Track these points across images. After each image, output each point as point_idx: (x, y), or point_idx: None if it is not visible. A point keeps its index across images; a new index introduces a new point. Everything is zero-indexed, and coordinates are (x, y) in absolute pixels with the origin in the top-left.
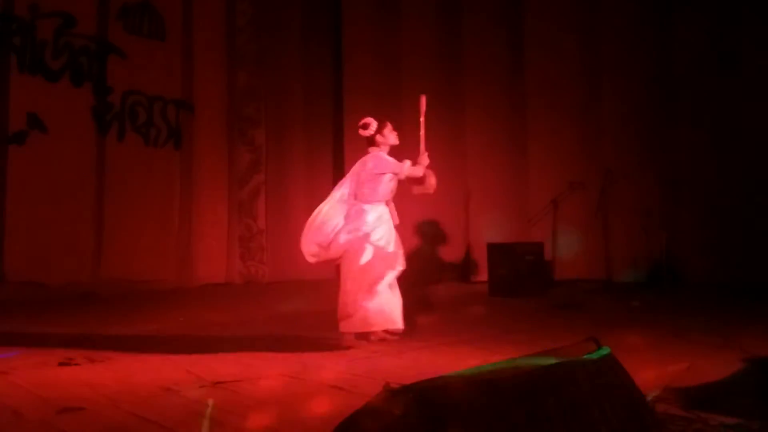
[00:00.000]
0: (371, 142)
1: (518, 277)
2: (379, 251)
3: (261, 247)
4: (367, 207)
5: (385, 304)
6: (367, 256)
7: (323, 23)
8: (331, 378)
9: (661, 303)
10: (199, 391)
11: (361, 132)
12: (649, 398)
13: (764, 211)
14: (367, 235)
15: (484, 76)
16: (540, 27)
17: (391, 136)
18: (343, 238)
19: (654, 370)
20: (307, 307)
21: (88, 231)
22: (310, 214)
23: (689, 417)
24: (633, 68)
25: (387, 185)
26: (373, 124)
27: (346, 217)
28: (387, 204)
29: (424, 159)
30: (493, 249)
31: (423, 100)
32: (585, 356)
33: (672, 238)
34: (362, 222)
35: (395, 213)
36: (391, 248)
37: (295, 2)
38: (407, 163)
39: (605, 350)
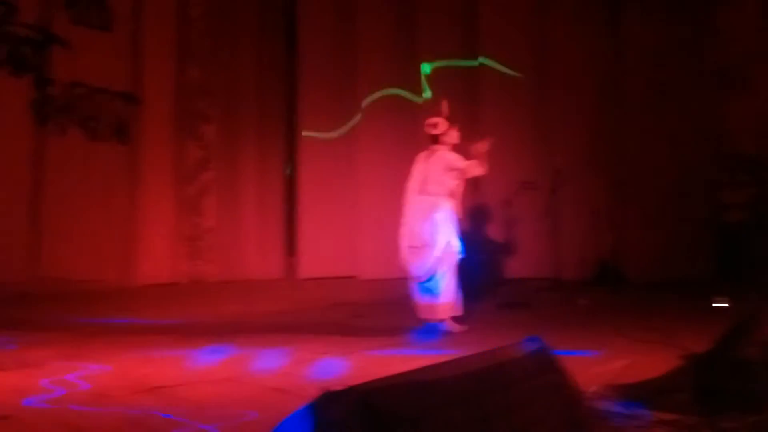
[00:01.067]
0: (436, 140)
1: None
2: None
3: (209, 246)
4: (440, 202)
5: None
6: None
7: (279, 19)
8: (275, 381)
9: (607, 301)
10: (133, 397)
11: (430, 132)
12: (590, 395)
13: (705, 212)
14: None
15: (439, 76)
16: (493, 28)
17: (455, 135)
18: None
19: (596, 367)
20: (254, 307)
21: (25, 228)
22: (259, 212)
23: (629, 413)
24: (582, 69)
25: (453, 181)
26: (441, 124)
27: (420, 212)
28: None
29: (480, 149)
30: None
31: (445, 105)
32: (525, 356)
33: (619, 238)
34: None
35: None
36: (454, 242)
37: None
38: (473, 162)
39: (546, 349)
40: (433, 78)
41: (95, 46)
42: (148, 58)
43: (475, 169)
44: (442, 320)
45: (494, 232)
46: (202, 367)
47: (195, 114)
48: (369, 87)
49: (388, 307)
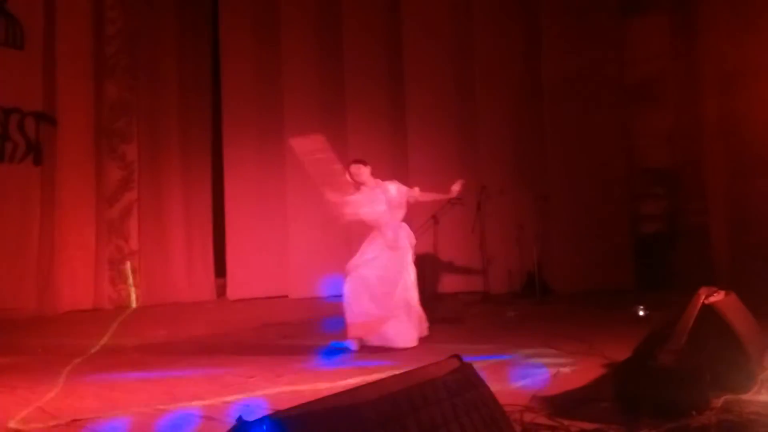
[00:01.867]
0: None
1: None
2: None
3: (133, 270)
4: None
5: None
6: None
7: (200, 34)
8: (202, 407)
9: (534, 313)
10: (50, 430)
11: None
12: (513, 409)
13: (623, 224)
14: None
15: (364, 91)
16: (417, 50)
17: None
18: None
19: (522, 380)
20: (182, 331)
21: None
22: (186, 233)
23: (554, 425)
24: (504, 88)
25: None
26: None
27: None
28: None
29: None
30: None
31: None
32: (446, 374)
33: (543, 251)
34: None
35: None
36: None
37: (170, 11)
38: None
39: (467, 366)
40: (358, 95)
41: (6, 64)
42: (63, 76)
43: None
44: (350, 339)
45: (423, 247)
46: (125, 396)
47: (114, 133)
48: (294, 105)
49: (319, 327)
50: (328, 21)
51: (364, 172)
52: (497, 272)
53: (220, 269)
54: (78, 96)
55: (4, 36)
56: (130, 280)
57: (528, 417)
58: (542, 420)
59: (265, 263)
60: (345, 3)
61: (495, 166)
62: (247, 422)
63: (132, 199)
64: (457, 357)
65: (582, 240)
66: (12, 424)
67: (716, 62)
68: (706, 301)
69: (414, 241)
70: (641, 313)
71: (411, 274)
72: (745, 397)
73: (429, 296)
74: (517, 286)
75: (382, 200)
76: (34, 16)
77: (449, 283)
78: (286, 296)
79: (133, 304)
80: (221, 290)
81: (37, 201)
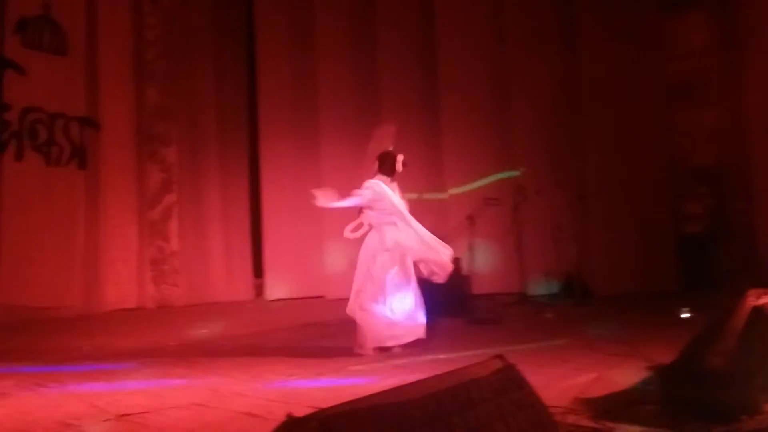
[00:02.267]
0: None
1: (435, 292)
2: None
3: (174, 270)
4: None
5: None
6: None
7: (236, 37)
8: (244, 405)
9: (573, 314)
10: (102, 425)
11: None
12: (558, 411)
13: (666, 224)
14: None
15: (398, 91)
16: (452, 50)
17: None
18: None
19: (565, 382)
20: (221, 330)
21: None
22: (225, 234)
23: (597, 427)
24: (542, 87)
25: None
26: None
27: None
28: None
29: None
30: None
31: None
32: (490, 374)
33: (582, 251)
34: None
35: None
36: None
37: (208, 17)
38: None
39: (511, 367)
40: (393, 96)
41: (51, 70)
42: (105, 81)
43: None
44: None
45: (459, 249)
46: (171, 393)
47: (155, 136)
48: (329, 106)
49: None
50: (362, 21)
51: None
52: (535, 273)
53: (258, 269)
54: (120, 101)
55: (49, 43)
56: None
57: (571, 419)
58: (586, 422)
59: (303, 264)
60: (379, 3)
61: (532, 166)
62: (296, 419)
63: (172, 200)
64: (501, 357)
65: (623, 240)
66: (64, 420)
67: (762, 58)
68: (756, 304)
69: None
70: (685, 315)
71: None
72: None
73: (465, 297)
74: (555, 288)
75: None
76: (76, 23)
77: (486, 284)
78: (323, 297)
79: None
80: (259, 290)
81: (82, 203)
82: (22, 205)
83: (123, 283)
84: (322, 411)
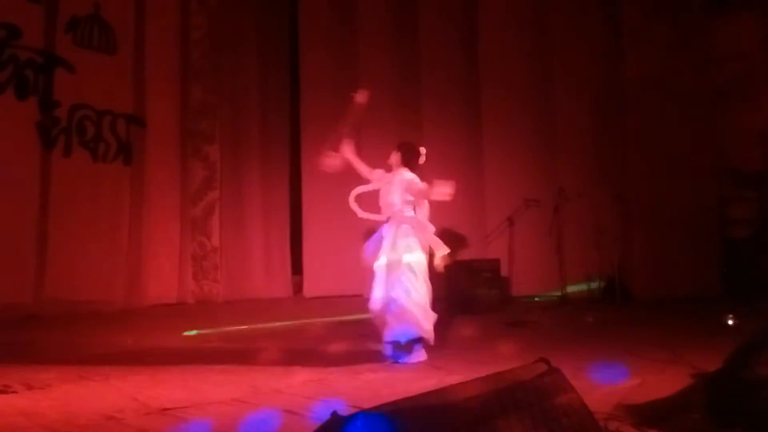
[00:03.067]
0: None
1: (475, 294)
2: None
3: (215, 266)
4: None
5: None
6: None
7: (281, 38)
8: (284, 401)
9: (614, 318)
10: (143, 419)
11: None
12: (602, 417)
13: (710, 229)
14: None
15: (442, 95)
16: (495, 48)
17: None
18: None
19: (606, 387)
20: (260, 327)
21: (31, 250)
22: (265, 231)
23: None
24: (585, 85)
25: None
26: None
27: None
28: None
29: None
30: (450, 266)
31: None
32: (535, 377)
33: (624, 255)
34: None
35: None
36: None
37: (251, 17)
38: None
39: (556, 371)
40: (435, 95)
41: (99, 68)
42: (152, 79)
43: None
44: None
45: (498, 250)
46: (211, 388)
47: (199, 134)
48: (371, 105)
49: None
50: (404, 18)
51: None
52: (575, 276)
53: (297, 267)
54: (165, 98)
55: (98, 41)
56: None
57: (613, 425)
58: (628, 429)
59: (341, 262)
60: (421, 17)
61: (573, 168)
62: (341, 417)
63: (215, 197)
64: (545, 360)
65: (666, 244)
66: (106, 413)
67: None
68: None
69: None
70: (730, 321)
71: None
72: None
73: (505, 299)
74: (596, 291)
75: None
76: (125, 22)
77: (526, 287)
78: (361, 295)
79: None
80: (297, 288)
81: (127, 199)
82: (69, 200)
83: (164, 278)
84: (369, 409)
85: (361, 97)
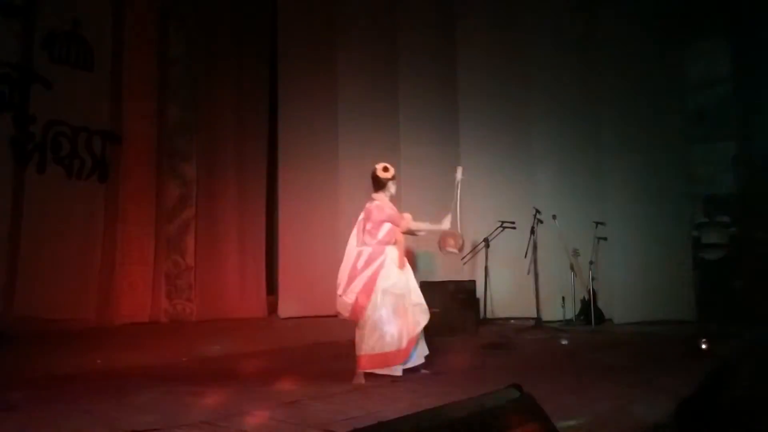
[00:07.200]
0: (381, 186)
1: (450, 316)
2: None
3: (189, 285)
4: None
5: None
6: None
7: (259, 58)
8: (255, 425)
9: (589, 341)
10: None
11: (382, 174)
12: None
13: (684, 253)
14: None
15: (419, 116)
16: (472, 72)
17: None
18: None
19: (580, 411)
20: (234, 348)
21: (1, 266)
22: (240, 251)
23: None
24: (561, 111)
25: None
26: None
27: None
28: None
29: (446, 222)
30: (425, 287)
31: (459, 170)
32: (507, 403)
33: (599, 278)
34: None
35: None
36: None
37: (229, 36)
38: (407, 216)
39: (528, 397)
40: (413, 116)
41: (76, 84)
42: (129, 97)
43: (414, 225)
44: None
45: (475, 272)
46: (181, 410)
47: (175, 152)
48: (348, 129)
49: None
50: (384, 38)
51: None
52: (550, 298)
53: (272, 287)
54: (142, 116)
55: (75, 58)
56: None
57: None
58: None
59: (317, 282)
60: (400, 37)
61: (549, 190)
62: None
63: (190, 216)
64: (517, 386)
65: (641, 268)
66: None
67: None
68: None
69: None
70: (704, 345)
71: None
72: None
73: (481, 321)
74: (570, 314)
75: None
76: (103, 40)
77: (501, 309)
78: (336, 316)
79: None
80: (272, 308)
81: (101, 216)
82: (42, 217)
83: (138, 296)
84: None
85: (459, 174)
